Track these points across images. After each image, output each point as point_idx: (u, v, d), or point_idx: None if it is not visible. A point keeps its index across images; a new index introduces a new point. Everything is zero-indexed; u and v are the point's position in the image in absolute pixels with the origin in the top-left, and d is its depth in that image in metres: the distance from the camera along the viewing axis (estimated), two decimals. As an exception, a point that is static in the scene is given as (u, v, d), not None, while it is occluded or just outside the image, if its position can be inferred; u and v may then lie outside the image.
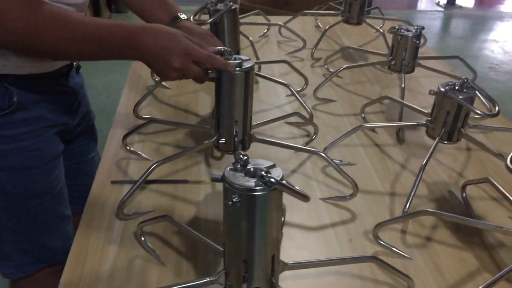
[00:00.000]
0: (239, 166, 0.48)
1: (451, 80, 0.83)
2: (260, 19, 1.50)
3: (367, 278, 0.65)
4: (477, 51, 3.49)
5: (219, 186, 0.80)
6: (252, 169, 0.47)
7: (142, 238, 0.66)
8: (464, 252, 0.71)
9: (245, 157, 0.48)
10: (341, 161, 0.89)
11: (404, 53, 1.08)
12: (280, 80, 1.04)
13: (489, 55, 3.38)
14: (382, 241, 0.70)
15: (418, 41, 1.06)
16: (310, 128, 0.99)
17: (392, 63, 1.10)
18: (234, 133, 0.76)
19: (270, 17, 1.52)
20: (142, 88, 1.13)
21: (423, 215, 0.68)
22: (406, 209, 0.74)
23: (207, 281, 0.52)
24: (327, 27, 1.36)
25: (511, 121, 1.07)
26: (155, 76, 1.11)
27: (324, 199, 0.80)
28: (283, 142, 0.83)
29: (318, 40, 1.33)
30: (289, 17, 1.48)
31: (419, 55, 1.12)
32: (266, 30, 1.49)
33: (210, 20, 0.95)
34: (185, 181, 0.82)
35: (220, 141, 0.77)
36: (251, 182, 0.46)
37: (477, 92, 0.81)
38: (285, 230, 0.74)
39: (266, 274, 0.50)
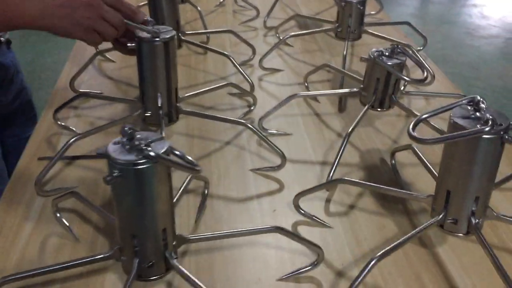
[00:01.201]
0: (125, 140, 0.47)
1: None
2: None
3: (275, 248, 0.65)
4: (455, 17, 3.45)
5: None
6: (136, 143, 0.47)
7: (58, 215, 0.66)
8: (385, 218, 0.71)
9: (130, 131, 0.47)
10: (277, 131, 0.89)
11: (350, 20, 1.06)
12: (220, 51, 1.03)
13: (467, 20, 3.35)
14: (303, 210, 0.70)
15: (362, 7, 1.05)
16: (258, 97, 0.97)
17: (339, 30, 1.09)
18: (159, 105, 0.76)
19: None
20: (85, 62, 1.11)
21: (336, 183, 0.68)
22: (330, 178, 0.74)
23: (101, 257, 0.52)
24: (279, -4, 1.33)
25: (456, 86, 1.06)
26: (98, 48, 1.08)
27: (253, 170, 0.80)
28: (210, 114, 0.82)
29: (271, 8, 1.30)
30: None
31: (369, 22, 1.11)
32: (222, 0, 1.46)
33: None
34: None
35: (146, 114, 0.77)
36: (132, 156, 0.46)
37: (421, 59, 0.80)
38: (209, 202, 0.73)
39: (158, 248, 0.50)
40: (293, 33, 1.11)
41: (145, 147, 0.45)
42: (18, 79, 0.92)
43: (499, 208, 0.72)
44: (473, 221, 0.57)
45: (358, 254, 0.66)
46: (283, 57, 1.17)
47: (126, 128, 0.47)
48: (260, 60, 1.09)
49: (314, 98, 0.98)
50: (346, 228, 0.70)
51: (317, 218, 0.70)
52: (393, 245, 0.54)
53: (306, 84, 1.02)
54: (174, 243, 0.53)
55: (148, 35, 0.71)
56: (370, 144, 0.87)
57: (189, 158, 0.50)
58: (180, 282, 0.58)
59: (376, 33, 1.08)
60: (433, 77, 1.01)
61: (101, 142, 0.85)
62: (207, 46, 1.03)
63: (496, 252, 0.55)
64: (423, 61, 0.77)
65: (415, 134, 0.53)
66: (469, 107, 0.55)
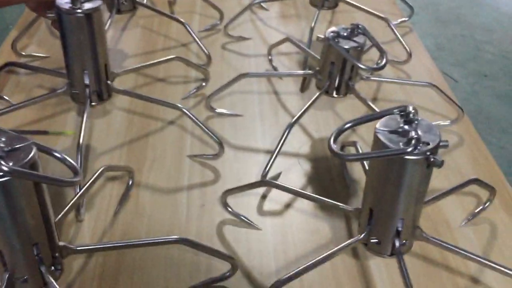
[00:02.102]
0: (-16, 144, 0.41)
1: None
2: None
3: (191, 253, 0.59)
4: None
5: (82, 139, 0.74)
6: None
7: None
8: (321, 222, 0.65)
9: (-10, 135, 0.41)
10: (225, 111, 0.82)
11: (324, -14, 0.96)
12: (174, 16, 0.94)
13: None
14: (231, 208, 0.64)
15: (338, -27, 0.94)
16: (215, 70, 0.90)
17: (313, -3, 0.99)
18: (86, 83, 0.69)
19: None
20: (39, 23, 1.03)
21: (261, 186, 0.61)
22: (265, 173, 0.67)
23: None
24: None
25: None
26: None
27: (190, 157, 0.74)
28: (143, 94, 0.75)
29: (249, -35, 1.19)
30: None
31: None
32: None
33: None
34: (44, 132, 0.75)
35: (73, 91, 0.70)
36: (-15, 167, 0.40)
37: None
38: (134, 191, 0.68)
39: (30, 264, 0.46)
40: (257, 0, 1.01)
41: (-3, 160, 0.39)
42: None
43: (453, 215, 0.66)
44: (397, 243, 0.51)
45: (282, 262, 0.60)
46: (255, 22, 1.08)
47: (-13, 133, 0.41)
48: (225, 26, 1.00)
49: (280, 77, 0.90)
50: (276, 230, 0.64)
51: (245, 218, 0.64)
52: (300, 268, 0.49)
53: (269, 58, 0.93)
54: (56, 254, 0.48)
55: (68, 6, 0.63)
56: (325, 131, 0.80)
57: (71, 162, 0.44)
58: None
59: (352, 2, 0.98)
60: (410, 55, 0.92)
61: (36, 113, 0.79)
62: (161, 10, 0.94)
63: (437, 269, 0.50)
64: (381, 46, 0.68)
65: (334, 148, 0.46)
66: (399, 118, 0.47)
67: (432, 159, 0.44)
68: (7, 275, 0.45)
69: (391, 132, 0.46)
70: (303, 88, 0.88)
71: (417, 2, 2.82)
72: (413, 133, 0.44)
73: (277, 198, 0.68)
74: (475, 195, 0.69)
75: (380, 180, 0.48)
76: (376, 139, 0.46)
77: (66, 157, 0.44)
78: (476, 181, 0.60)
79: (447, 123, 0.80)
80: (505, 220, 0.66)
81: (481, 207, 0.65)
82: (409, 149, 0.43)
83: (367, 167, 0.58)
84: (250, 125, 0.81)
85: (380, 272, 0.59)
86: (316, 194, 0.68)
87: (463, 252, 0.53)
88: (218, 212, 0.66)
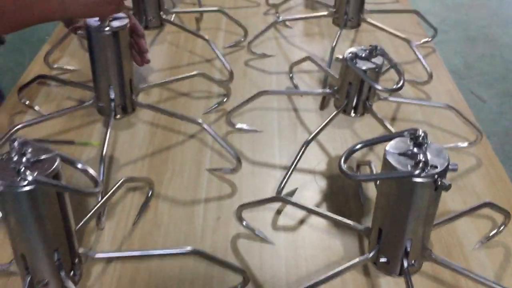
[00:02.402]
0: (13, 155, 0.44)
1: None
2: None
3: (206, 263, 0.61)
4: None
5: (107, 149, 0.77)
6: (15, 162, 0.43)
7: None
8: (333, 239, 0.66)
9: (18, 146, 0.44)
10: (246, 126, 0.84)
11: (347, 7, 0.98)
12: (200, 34, 0.97)
13: None
14: (246, 222, 0.66)
15: (361, -7, 0.96)
16: (237, 86, 0.92)
17: (335, 16, 1.01)
18: (111, 97, 0.72)
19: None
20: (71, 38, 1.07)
21: (274, 201, 0.63)
22: (281, 189, 0.69)
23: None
24: (286, -30, 1.24)
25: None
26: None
27: (209, 170, 0.76)
28: (165, 109, 0.78)
29: (274, -16, 1.22)
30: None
31: (371, 9, 1.02)
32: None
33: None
34: (71, 142, 0.79)
35: (99, 104, 0.73)
36: (12, 177, 0.43)
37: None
38: (153, 202, 0.70)
39: (51, 268, 0.48)
40: (285, 17, 1.04)
41: (24, 169, 0.41)
42: None
43: (467, 238, 0.66)
44: (405, 263, 0.51)
45: (293, 277, 0.62)
46: (279, 40, 1.10)
47: (15, 143, 0.44)
48: (249, 43, 1.03)
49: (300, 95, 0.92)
50: (288, 245, 0.65)
51: (259, 232, 0.66)
52: (309, 284, 0.50)
53: (290, 75, 0.95)
54: (76, 260, 0.51)
55: (97, 23, 0.66)
56: (342, 149, 0.80)
57: (92, 173, 0.47)
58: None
59: (374, 22, 0.99)
60: (430, 76, 0.93)
61: (64, 124, 0.83)
62: (186, 27, 0.97)
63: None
64: (398, 67, 0.69)
65: (344, 168, 0.47)
66: (409, 140, 0.48)
67: (439, 183, 0.45)
68: (29, 278, 0.47)
69: (401, 154, 0.47)
70: (323, 106, 0.90)
71: (446, 21, 2.81)
72: (421, 156, 0.45)
73: (291, 214, 0.69)
74: (490, 218, 0.69)
75: (389, 201, 0.49)
76: (385, 161, 0.47)
77: (88, 168, 0.47)
78: (489, 204, 0.61)
79: (465, 145, 0.80)
80: (520, 245, 0.66)
81: (495, 231, 0.65)
82: (416, 172, 0.44)
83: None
84: (269, 141, 0.82)
85: (390, 292, 0.59)
86: (330, 212, 0.69)
87: (472, 275, 0.53)
88: (233, 226, 0.68)
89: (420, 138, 0.47)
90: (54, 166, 0.43)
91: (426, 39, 1.07)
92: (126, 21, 0.68)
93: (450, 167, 0.47)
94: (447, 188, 0.45)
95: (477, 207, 0.60)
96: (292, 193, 0.73)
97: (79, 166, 0.46)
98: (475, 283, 0.59)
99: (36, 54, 1.01)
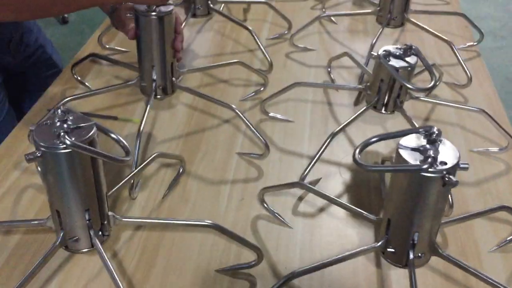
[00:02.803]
0: (55, 121, 0.50)
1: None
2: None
3: (226, 238, 0.65)
4: None
5: (146, 127, 0.83)
6: (59, 127, 0.48)
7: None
8: (349, 227, 0.68)
9: (61, 113, 0.49)
10: (279, 116, 0.87)
11: (391, 5, 0.98)
12: (242, 23, 1.00)
13: None
14: (267, 205, 0.69)
15: (406, -7, 0.96)
16: (275, 77, 0.95)
17: (379, 14, 1.01)
18: (153, 77, 0.77)
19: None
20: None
21: (295, 187, 0.65)
22: (304, 176, 0.72)
23: (36, 223, 0.56)
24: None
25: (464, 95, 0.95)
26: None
27: (239, 154, 0.80)
28: (202, 93, 0.82)
29: (324, -21, 1.24)
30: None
31: (417, 10, 1.02)
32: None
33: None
34: (114, 118, 0.85)
35: (142, 84, 0.78)
36: (53, 140, 0.48)
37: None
38: (183, 179, 0.75)
39: (82, 226, 0.53)
40: (328, 13, 1.06)
41: (63, 134, 0.46)
42: (29, 39, 0.97)
43: (484, 239, 0.67)
44: (411, 255, 0.53)
45: (307, 260, 0.64)
46: (322, 35, 1.12)
47: (58, 110, 0.49)
48: (291, 37, 1.06)
49: (336, 89, 0.94)
50: (305, 230, 0.68)
51: (279, 215, 0.69)
52: (315, 265, 0.53)
53: (328, 69, 0.97)
54: (105, 222, 0.56)
55: (144, 8, 0.71)
56: (372, 147, 0.82)
57: (124, 143, 0.51)
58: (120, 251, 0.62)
59: (418, 22, 0.99)
60: (470, 79, 0.92)
61: (112, 100, 0.89)
62: (232, 17, 1.01)
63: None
64: (432, 68, 0.70)
65: (358, 158, 0.50)
66: (423, 137, 0.50)
67: (447, 179, 0.46)
68: (62, 233, 0.53)
69: (413, 149, 0.49)
70: (357, 101, 0.92)
71: (506, 26, 2.71)
72: (431, 152, 0.47)
73: (312, 201, 0.72)
74: (510, 223, 0.69)
75: (399, 193, 0.51)
76: (397, 154, 0.49)
77: (120, 138, 0.51)
78: (506, 208, 0.61)
79: (495, 150, 0.80)
80: (538, 252, 0.66)
81: (512, 236, 0.65)
82: (424, 166, 0.46)
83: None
84: (300, 131, 0.85)
85: (399, 283, 0.61)
86: (351, 203, 0.72)
87: (480, 274, 0.54)
88: (255, 207, 0.71)
89: (434, 135, 0.49)
90: (90, 134, 0.48)
91: (471, 43, 1.06)
92: (171, 7, 0.72)
93: (460, 165, 0.48)
94: (454, 184, 0.47)
95: (493, 210, 0.60)
96: (316, 182, 0.75)
97: (113, 136, 0.51)
98: (485, 284, 0.60)
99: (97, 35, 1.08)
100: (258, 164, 0.78)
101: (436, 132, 0.49)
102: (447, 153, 0.49)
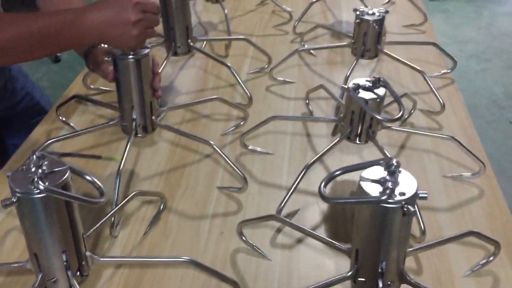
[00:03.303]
0: (31, 166, 0.52)
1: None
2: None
3: (193, 280, 0.66)
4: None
5: (128, 164, 0.85)
6: (33, 173, 0.50)
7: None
8: (326, 258, 0.70)
9: (36, 159, 0.52)
10: (258, 149, 0.89)
11: (365, 38, 1.02)
12: (222, 60, 1.04)
13: None
14: (245, 238, 0.71)
15: (378, 26, 1.00)
16: (256, 110, 0.98)
17: (354, 47, 1.05)
18: (133, 117, 0.79)
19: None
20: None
21: (271, 220, 0.67)
22: (280, 208, 0.74)
23: (16, 265, 0.58)
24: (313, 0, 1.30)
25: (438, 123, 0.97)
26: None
27: (219, 188, 0.82)
28: (181, 130, 0.84)
29: (302, 13, 1.28)
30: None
31: (389, 41, 1.05)
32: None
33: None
34: (98, 157, 0.87)
35: (123, 124, 0.81)
36: (28, 186, 0.50)
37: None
38: (164, 215, 0.77)
39: (59, 268, 0.55)
40: (306, 47, 1.09)
41: (37, 179, 0.49)
42: (14, 86, 1.00)
43: (457, 265, 0.68)
44: (380, 284, 0.54)
45: (284, 291, 0.66)
46: (301, 67, 1.15)
47: (34, 156, 0.51)
48: (271, 70, 1.09)
49: (314, 121, 0.97)
50: (284, 262, 0.70)
51: (258, 248, 0.70)
52: None
53: (307, 101, 1.00)
54: (83, 262, 0.58)
55: (121, 52, 0.74)
56: (348, 175, 0.84)
57: (99, 185, 0.54)
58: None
59: (391, 53, 1.03)
60: (443, 107, 0.95)
61: (96, 139, 0.91)
62: (211, 55, 1.05)
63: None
64: (400, 99, 0.73)
65: (324, 191, 0.52)
66: (383, 169, 0.52)
67: (405, 208, 0.48)
68: (40, 275, 0.54)
69: (374, 181, 0.51)
70: (335, 132, 0.94)
71: (490, 49, 2.77)
72: (389, 184, 0.49)
73: (290, 232, 0.74)
74: (483, 247, 0.70)
75: (364, 224, 0.53)
76: (359, 186, 0.51)
77: (95, 180, 0.53)
78: (475, 233, 0.63)
79: (468, 175, 0.82)
80: (510, 276, 0.67)
81: (485, 260, 0.67)
82: (383, 198, 0.48)
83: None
84: (279, 163, 0.87)
85: (374, 311, 0.63)
86: (328, 234, 0.74)
87: (449, 300, 0.56)
88: (235, 240, 0.73)
89: (393, 167, 0.51)
90: (64, 178, 0.50)
91: (445, 70, 1.10)
92: (148, 50, 0.76)
93: (419, 195, 0.50)
94: (412, 214, 0.49)
95: (462, 235, 0.62)
96: (294, 213, 0.77)
97: (87, 178, 0.53)
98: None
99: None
100: (238, 198, 0.80)
101: (395, 164, 0.51)
102: (407, 184, 0.51)
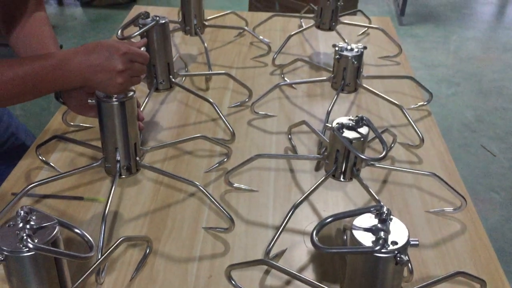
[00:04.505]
0: (18, 222, 0.51)
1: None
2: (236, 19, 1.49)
3: None
4: (525, 44, 3.24)
5: (111, 206, 0.84)
6: (21, 229, 0.49)
7: None
8: (316, 301, 0.70)
9: (23, 214, 0.50)
10: (243, 186, 0.89)
11: (344, 73, 1.04)
12: (203, 96, 1.04)
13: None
14: (234, 281, 0.70)
15: (357, 62, 1.02)
16: (238, 146, 0.98)
17: (334, 81, 1.07)
18: (117, 159, 0.78)
19: (261, 13, 1.50)
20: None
21: (260, 264, 0.67)
22: (269, 250, 0.73)
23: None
24: (291, 33, 1.32)
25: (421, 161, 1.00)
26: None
27: (205, 229, 0.81)
28: (165, 171, 0.84)
29: (281, 46, 1.30)
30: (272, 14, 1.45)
31: (368, 75, 1.08)
32: (241, 31, 1.47)
33: (135, 34, 0.96)
34: (80, 198, 0.85)
35: (106, 165, 0.80)
36: (15, 244, 0.49)
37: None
38: (151, 259, 0.76)
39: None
40: (284, 82, 1.11)
41: (26, 237, 0.47)
42: (1, 127, 0.99)
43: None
44: (373, 331, 0.55)
45: (275, 337, 0.65)
46: (282, 100, 1.16)
47: (21, 211, 0.50)
48: (252, 104, 1.10)
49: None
50: (273, 306, 0.70)
51: (247, 291, 0.70)
52: None
53: (289, 137, 1.01)
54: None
55: (104, 95, 0.74)
56: (333, 211, 0.85)
57: (88, 238, 0.52)
58: None
59: (370, 88, 1.05)
60: (422, 140, 0.97)
61: (77, 180, 0.90)
62: (192, 91, 1.05)
63: None
64: (383, 138, 0.74)
65: (316, 240, 0.52)
66: (374, 216, 0.53)
67: (398, 258, 0.49)
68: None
69: (366, 229, 0.52)
70: (318, 167, 0.95)
71: (459, 73, 2.86)
72: (381, 233, 0.50)
73: (279, 274, 0.74)
74: (470, 285, 0.71)
75: (356, 271, 0.53)
76: (352, 236, 0.52)
77: (85, 233, 0.52)
78: (462, 273, 0.64)
79: (450, 210, 0.84)
80: (496, 312, 0.68)
81: (472, 299, 0.68)
82: (377, 248, 0.49)
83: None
84: (264, 201, 0.87)
85: None
86: (317, 274, 0.74)
87: None
88: (223, 284, 0.72)
89: (384, 215, 0.52)
90: (53, 234, 0.49)
91: (421, 103, 1.13)
92: (132, 92, 0.75)
93: (410, 242, 0.51)
94: (405, 263, 0.49)
95: (450, 276, 0.63)
96: (281, 253, 0.77)
97: (77, 231, 0.52)
98: None
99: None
100: (225, 238, 0.80)
101: (386, 211, 0.52)
102: (398, 232, 0.52)
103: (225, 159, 0.95)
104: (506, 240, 1.76)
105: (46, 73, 0.70)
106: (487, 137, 2.31)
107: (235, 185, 0.89)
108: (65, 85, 0.74)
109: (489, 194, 1.97)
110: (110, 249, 0.64)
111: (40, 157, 0.92)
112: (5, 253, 0.48)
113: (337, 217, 0.54)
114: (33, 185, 0.76)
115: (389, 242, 0.50)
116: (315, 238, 0.52)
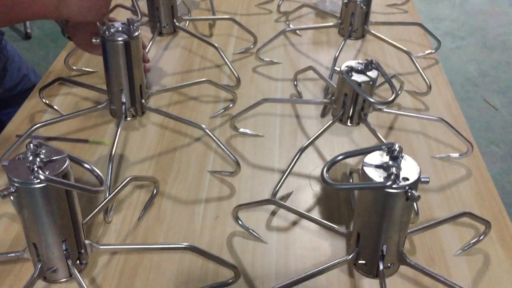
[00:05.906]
0: (28, 155, 0.50)
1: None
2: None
3: (190, 265, 0.66)
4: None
5: (117, 149, 0.83)
6: (31, 162, 0.49)
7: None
8: (322, 240, 0.71)
9: (34, 147, 0.50)
10: (248, 131, 0.89)
11: (352, 19, 1.01)
12: (208, 40, 1.02)
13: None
14: (241, 221, 0.71)
15: (366, 7, 0.99)
16: (244, 92, 0.97)
17: (341, 27, 1.05)
18: (123, 101, 0.78)
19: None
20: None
21: (267, 204, 0.68)
22: (276, 192, 0.74)
23: (13, 255, 0.56)
24: (298, -21, 1.28)
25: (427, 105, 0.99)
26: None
27: (211, 172, 0.81)
28: (171, 113, 0.83)
29: (286, -8, 1.26)
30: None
31: (376, 21, 1.05)
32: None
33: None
34: (85, 141, 0.85)
35: (112, 107, 0.79)
36: (27, 175, 0.48)
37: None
38: (158, 200, 0.76)
39: (59, 257, 0.54)
40: (292, 27, 1.08)
41: (37, 169, 0.47)
42: (12, 68, 0.97)
43: (450, 245, 0.70)
44: (380, 266, 0.56)
45: (282, 274, 0.66)
46: (287, 47, 1.15)
47: (31, 144, 0.50)
48: (257, 51, 1.08)
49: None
50: (280, 245, 0.70)
51: (254, 231, 0.71)
52: (290, 281, 0.55)
53: (295, 83, 1.00)
54: (82, 250, 0.57)
55: (109, 33, 0.72)
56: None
57: (98, 173, 0.52)
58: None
59: (378, 34, 1.03)
60: (429, 87, 0.96)
61: (81, 123, 0.89)
62: (197, 35, 1.02)
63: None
64: (392, 82, 0.73)
65: (326, 177, 0.52)
66: (386, 154, 0.53)
67: (409, 194, 0.49)
68: (39, 265, 0.53)
69: (377, 166, 0.52)
70: (324, 113, 0.94)
71: (464, 27, 2.81)
72: (393, 169, 0.50)
73: (284, 215, 0.74)
74: (473, 227, 0.72)
75: (366, 208, 0.53)
76: (363, 172, 0.52)
77: (94, 168, 0.52)
78: (468, 214, 0.64)
79: (456, 156, 0.84)
80: (499, 253, 0.69)
81: (476, 239, 0.69)
82: (388, 183, 0.49)
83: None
84: (269, 146, 0.87)
85: (371, 292, 0.64)
86: (322, 215, 0.74)
87: (444, 280, 0.57)
88: (230, 225, 0.73)
89: (396, 152, 0.51)
90: (63, 167, 0.49)
91: (429, 51, 1.11)
92: (138, 31, 0.73)
93: (421, 179, 0.51)
94: (416, 199, 0.50)
95: (456, 216, 0.64)
96: (287, 196, 0.77)
97: (86, 166, 0.52)
98: None
99: (60, 49, 1.07)
100: (231, 182, 0.80)
101: (398, 149, 0.52)
102: (409, 169, 0.52)
103: (231, 105, 0.94)
104: (506, 192, 1.78)
105: None
106: (490, 91, 2.30)
107: (241, 130, 0.88)
108: (36, 14, 0.70)
109: (490, 147, 1.98)
110: (119, 187, 0.64)
111: (44, 100, 0.91)
112: (16, 184, 0.48)
113: (348, 154, 0.54)
114: (38, 125, 0.75)
115: (400, 178, 0.50)
116: (325, 175, 0.52)
